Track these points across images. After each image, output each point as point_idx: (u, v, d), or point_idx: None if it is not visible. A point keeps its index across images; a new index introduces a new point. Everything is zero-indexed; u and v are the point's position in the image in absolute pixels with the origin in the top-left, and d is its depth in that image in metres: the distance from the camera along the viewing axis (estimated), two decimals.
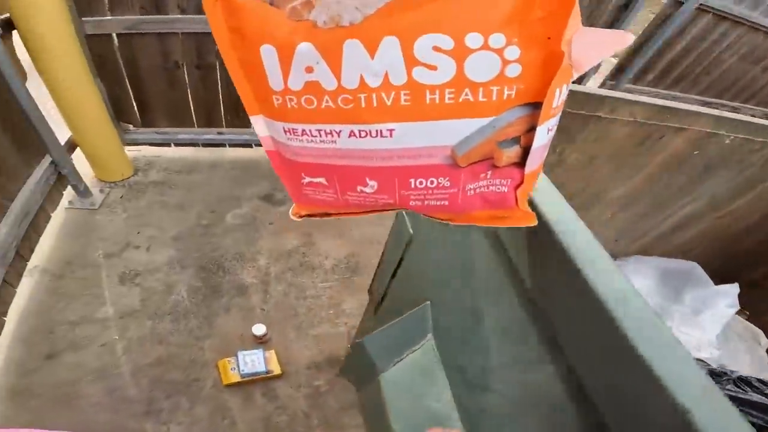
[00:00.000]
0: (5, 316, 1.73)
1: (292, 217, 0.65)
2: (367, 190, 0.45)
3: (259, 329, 1.81)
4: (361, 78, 0.34)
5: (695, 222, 1.53)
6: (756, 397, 1.04)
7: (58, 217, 2.19)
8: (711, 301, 1.47)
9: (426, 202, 0.46)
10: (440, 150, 0.38)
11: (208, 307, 1.96)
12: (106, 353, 1.72)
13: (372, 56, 0.32)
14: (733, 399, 1.04)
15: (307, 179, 0.49)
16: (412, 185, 0.43)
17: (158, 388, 1.67)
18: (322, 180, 0.48)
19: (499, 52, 0.31)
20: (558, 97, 0.35)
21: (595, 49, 0.33)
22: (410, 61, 0.32)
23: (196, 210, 2.37)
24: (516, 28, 0.30)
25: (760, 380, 1.09)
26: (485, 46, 0.31)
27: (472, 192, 0.43)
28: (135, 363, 1.72)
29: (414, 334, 1.04)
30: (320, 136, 0.41)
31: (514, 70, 0.33)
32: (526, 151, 0.38)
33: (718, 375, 1.10)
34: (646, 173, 1.31)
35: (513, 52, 0.31)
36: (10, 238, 1.80)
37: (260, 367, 1.73)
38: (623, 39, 0.35)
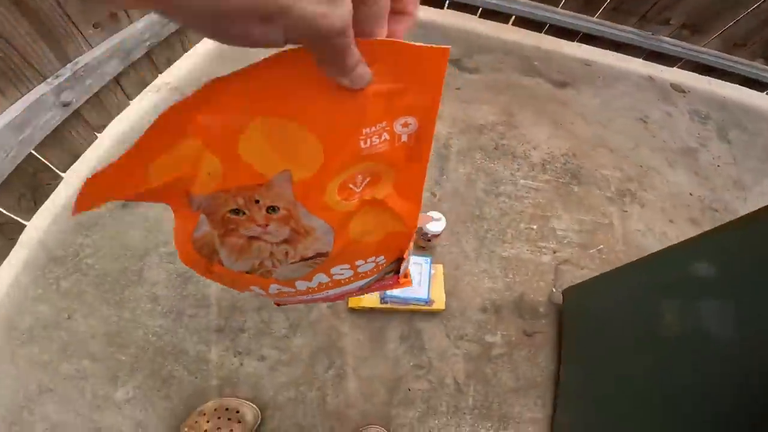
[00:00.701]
0: (100, 132, 1.24)
1: None
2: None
3: (434, 222, 1.04)
4: (307, 286, 0.45)
5: None
6: None
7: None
8: None
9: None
10: (353, 290, 0.52)
11: None
12: None
13: (311, 281, 0.44)
14: None
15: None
16: (344, 296, 0.56)
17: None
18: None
19: (374, 261, 0.44)
20: (408, 253, 0.49)
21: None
22: (329, 275, 0.43)
23: None
24: (382, 251, 0.43)
25: None
26: (366, 263, 0.43)
27: (374, 288, 0.58)
28: None
29: None
30: (279, 297, 0.51)
31: (382, 262, 0.45)
32: (398, 271, 0.52)
33: None
34: None
35: (381, 258, 0.44)
36: (145, 35, 1.27)
37: (421, 291, 0.98)
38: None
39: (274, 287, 0.43)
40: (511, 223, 1.21)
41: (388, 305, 1.00)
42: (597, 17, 1.92)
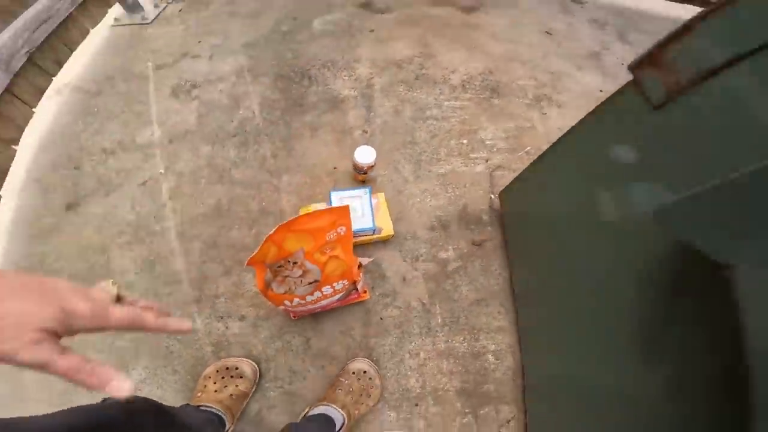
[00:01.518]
0: (16, 145, 1.14)
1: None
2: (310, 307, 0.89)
3: (364, 154, 1.03)
4: (311, 299, 0.81)
5: None
6: None
7: (99, 34, 1.52)
8: None
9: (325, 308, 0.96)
10: (334, 301, 0.89)
11: (288, 125, 1.21)
12: (146, 197, 1.09)
13: (313, 296, 0.80)
14: None
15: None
16: (332, 305, 0.93)
17: (213, 257, 1.02)
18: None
19: (342, 283, 0.82)
20: (359, 280, 0.88)
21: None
22: (322, 292, 0.81)
23: (274, 17, 1.56)
24: (344, 278, 0.81)
25: None
26: (338, 284, 0.82)
27: (347, 300, 0.95)
28: (184, 213, 1.08)
29: None
30: (296, 308, 0.85)
31: (346, 284, 0.83)
32: (357, 289, 0.92)
33: None
34: None
35: (345, 282, 0.82)
36: (18, 42, 1.16)
37: (366, 221, 0.98)
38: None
39: (296, 300, 0.79)
40: (442, 142, 1.22)
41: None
42: None
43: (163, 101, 1.26)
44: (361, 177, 1.09)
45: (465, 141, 1.24)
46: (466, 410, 0.89)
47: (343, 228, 0.72)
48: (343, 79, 1.32)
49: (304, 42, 1.45)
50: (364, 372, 0.88)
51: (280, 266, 0.72)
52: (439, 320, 0.99)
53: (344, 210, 0.70)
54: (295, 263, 0.72)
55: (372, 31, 1.51)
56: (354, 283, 0.86)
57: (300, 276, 0.74)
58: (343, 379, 0.86)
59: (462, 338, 0.97)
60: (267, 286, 0.74)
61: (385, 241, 1.06)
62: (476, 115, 1.30)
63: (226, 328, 0.94)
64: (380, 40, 1.48)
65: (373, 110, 1.25)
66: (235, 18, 1.56)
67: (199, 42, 1.46)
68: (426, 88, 1.34)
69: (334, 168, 1.14)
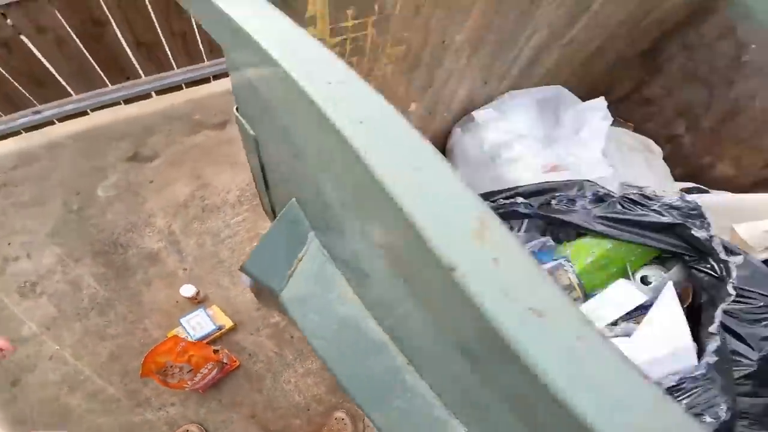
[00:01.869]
0: None
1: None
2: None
3: (187, 290, 1.76)
4: (197, 379, 1.47)
5: (545, 53, 1.54)
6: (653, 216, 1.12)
7: None
8: (584, 117, 1.53)
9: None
10: (217, 374, 1.57)
11: (127, 287, 1.86)
12: (60, 364, 1.69)
13: (197, 377, 1.46)
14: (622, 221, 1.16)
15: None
16: (216, 378, 1.60)
17: (130, 380, 1.69)
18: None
19: (212, 364, 1.50)
20: (222, 358, 1.56)
21: None
22: (201, 373, 1.50)
23: (59, 198, 2.07)
24: (210, 362, 1.47)
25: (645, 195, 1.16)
26: (209, 365, 1.48)
27: (224, 371, 1.61)
28: (92, 365, 1.71)
29: (295, 239, 0.94)
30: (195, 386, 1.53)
31: (214, 364, 1.50)
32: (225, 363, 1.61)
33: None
34: (478, 11, 1.17)
35: (213, 363, 1.49)
36: None
37: (209, 327, 1.74)
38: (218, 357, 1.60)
39: (189, 383, 1.46)
40: (241, 252, 2.03)
41: (206, 341, 1.72)
42: (208, 61, 2.61)
43: (18, 304, 1.77)
44: (195, 301, 1.82)
45: (255, 243, 2.04)
46: (341, 400, 1.74)
47: (183, 343, 1.41)
48: (148, 236, 1.98)
49: (98, 214, 2.02)
50: (342, 419, 1.61)
51: (164, 371, 1.40)
52: (291, 357, 1.82)
53: (175, 337, 1.41)
54: (171, 366, 1.41)
55: (151, 182, 2.16)
56: (218, 361, 1.53)
57: (179, 371, 1.43)
58: (331, 424, 1.59)
59: (311, 361, 1.81)
60: (165, 382, 1.41)
61: (233, 330, 1.82)
62: (255, 220, 2.13)
63: (167, 412, 1.65)
64: (161, 187, 2.15)
65: (183, 251, 1.97)
66: (22, 209, 2.01)
67: (9, 244, 1.89)
68: (213, 215, 2.10)
69: (177, 302, 1.85)
